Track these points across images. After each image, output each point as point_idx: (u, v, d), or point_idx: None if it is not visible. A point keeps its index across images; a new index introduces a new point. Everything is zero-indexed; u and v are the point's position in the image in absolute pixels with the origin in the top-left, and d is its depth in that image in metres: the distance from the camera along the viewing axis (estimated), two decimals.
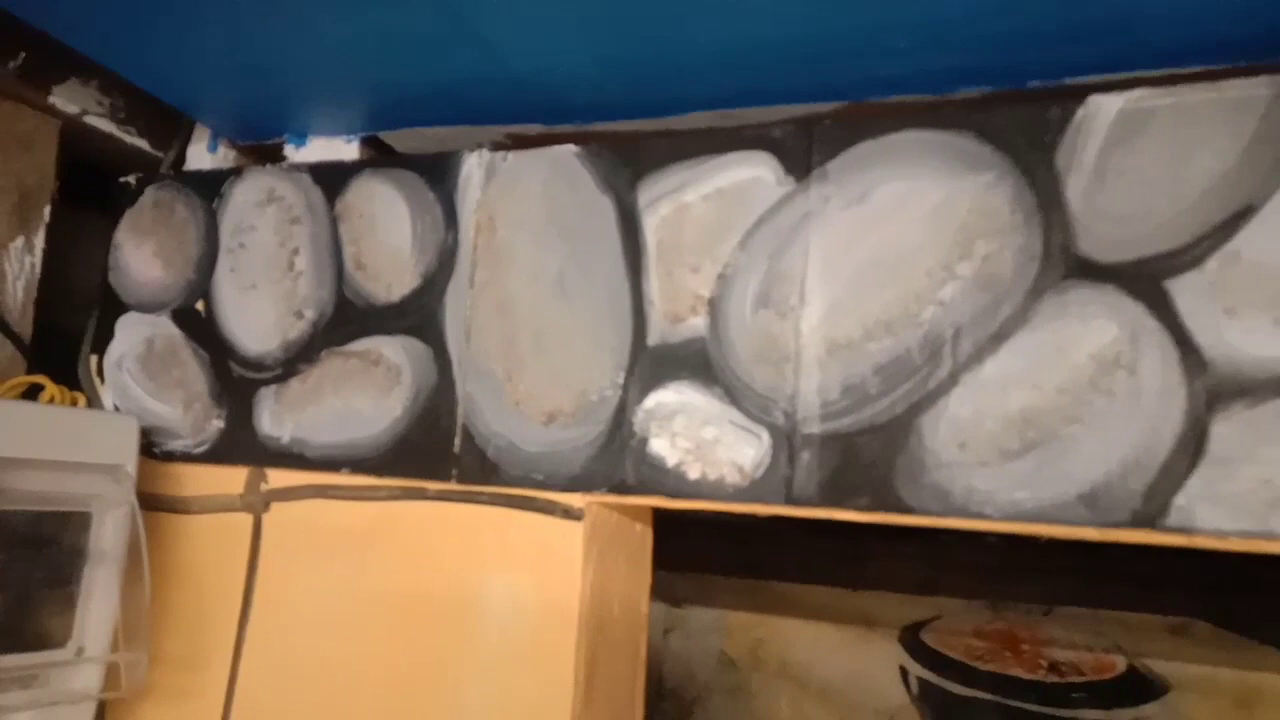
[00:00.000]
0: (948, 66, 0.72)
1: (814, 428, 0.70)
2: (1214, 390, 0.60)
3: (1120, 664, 1.69)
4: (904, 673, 1.79)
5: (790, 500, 0.70)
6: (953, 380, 0.66)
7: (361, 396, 0.86)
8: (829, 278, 0.71)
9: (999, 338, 0.66)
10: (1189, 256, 0.61)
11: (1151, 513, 0.60)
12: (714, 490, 0.72)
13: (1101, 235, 0.64)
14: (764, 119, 0.80)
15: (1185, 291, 0.61)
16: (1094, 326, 0.63)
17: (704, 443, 0.73)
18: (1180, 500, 0.59)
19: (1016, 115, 0.67)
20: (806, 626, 1.88)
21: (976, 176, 0.68)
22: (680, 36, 0.71)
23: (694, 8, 0.68)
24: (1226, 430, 0.59)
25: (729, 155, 0.76)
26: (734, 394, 0.73)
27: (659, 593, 2.05)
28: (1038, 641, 1.75)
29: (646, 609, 0.92)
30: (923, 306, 0.68)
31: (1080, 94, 0.66)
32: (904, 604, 1.83)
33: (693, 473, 0.73)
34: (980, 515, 0.64)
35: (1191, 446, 0.60)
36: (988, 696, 1.73)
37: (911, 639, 1.82)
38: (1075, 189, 0.65)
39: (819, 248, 0.72)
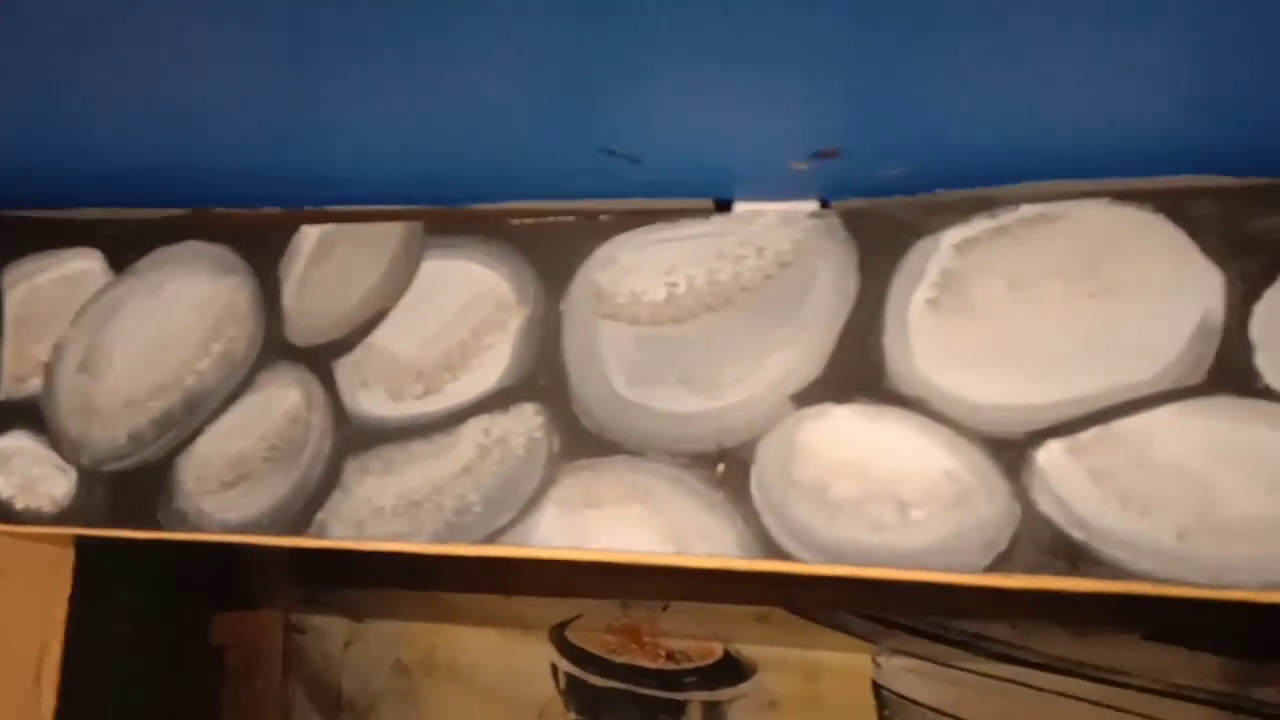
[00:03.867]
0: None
1: (107, 467, 0.91)
2: (349, 439, 0.86)
3: (719, 650, 1.88)
4: (554, 669, 1.93)
5: (84, 523, 0.91)
6: (200, 430, 0.90)
7: None
8: (128, 350, 0.92)
9: (232, 399, 0.89)
10: (346, 344, 0.88)
11: (302, 525, 0.85)
12: (35, 516, 0.92)
13: (300, 327, 0.89)
14: (120, 217, 1.00)
15: (341, 369, 0.87)
16: (289, 393, 0.88)
17: (31, 479, 0.93)
18: (320, 516, 0.85)
19: (256, 237, 0.92)
20: (473, 632, 1.99)
21: (229, 279, 0.91)
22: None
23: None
24: (352, 467, 0.85)
25: (72, 249, 0.96)
26: (55, 440, 0.93)
27: (341, 609, 2.16)
28: (656, 634, 1.92)
29: (61, 615, 1.10)
30: (187, 374, 0.91)
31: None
32: (553, 606, 1.95)
33: (20, 503, 0.93)
34: (206, 530, 0.87)
35: (332, 478, 0.85)
36: (621, 685, 1.89)
37: (558, 637, 1.95)
38: (289, 293, 0.90)
39: (124, 326, 0.93)
